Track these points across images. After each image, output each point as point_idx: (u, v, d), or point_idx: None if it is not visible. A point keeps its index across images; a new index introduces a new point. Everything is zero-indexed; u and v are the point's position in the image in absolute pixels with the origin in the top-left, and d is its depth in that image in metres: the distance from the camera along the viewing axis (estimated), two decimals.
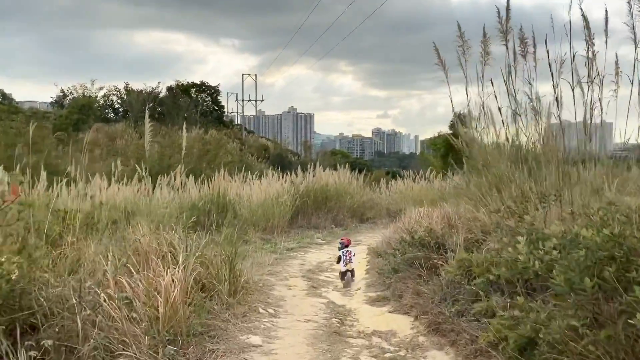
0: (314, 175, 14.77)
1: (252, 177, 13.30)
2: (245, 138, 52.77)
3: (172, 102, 48.09)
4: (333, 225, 13.79)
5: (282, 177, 13.67)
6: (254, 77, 58.62)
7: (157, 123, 42.56)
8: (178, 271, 4.45)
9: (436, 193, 18.30)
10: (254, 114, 76.79)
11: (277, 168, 14.66)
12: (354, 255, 7.20)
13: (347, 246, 7.38)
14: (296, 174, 14.55)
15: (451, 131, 31.50)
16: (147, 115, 11.42)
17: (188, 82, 51.77)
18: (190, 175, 13.34)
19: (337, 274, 7.37)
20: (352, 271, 7.10)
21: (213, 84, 52.60)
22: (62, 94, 48.77)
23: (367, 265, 7.76)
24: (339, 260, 7.26)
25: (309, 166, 15.02)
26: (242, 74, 60.04)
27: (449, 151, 30.27)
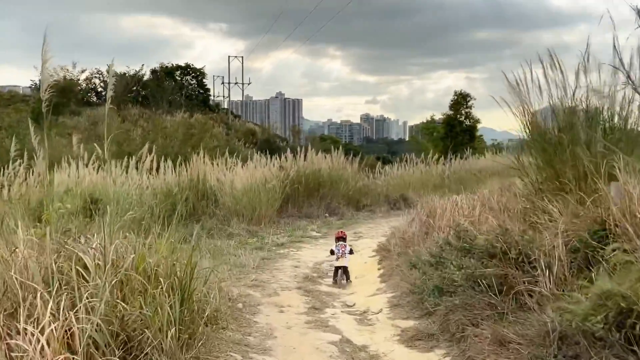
0: (305, 159, 13.30)
1: (235, 161, 11.76)
2: (231, 122, 51.17)
3: (156, 85, 46.34)
4: (327, 214, 12.39)
5: (270, 161, 12.18)
6: (240, 59, 56.81)
7: (140, 107, 41.40)
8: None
9: (437, 178, 17.08)
10: (241, 99, 74.89)
11: (265, 153, 13.14)
12: (349, 251, 6.19)
13: (342, 239, 6.35)
14: (285, 158, 13.09)
15: (452, 112, 30.41)
16: (108, 97, 9.87)
17: (172, 65, 49.80)
18: (168, 159, 11.84)
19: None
20: (344, 269, 6.05)
21: (199, 67, 50.60)
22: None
23: (379, 269, 6.29)
24: (332, 252, 6.30)
25: (298, 150, 13.55)
26: (229, 56, 58.19)
27: (449, 134, 29.20)
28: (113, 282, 3.11)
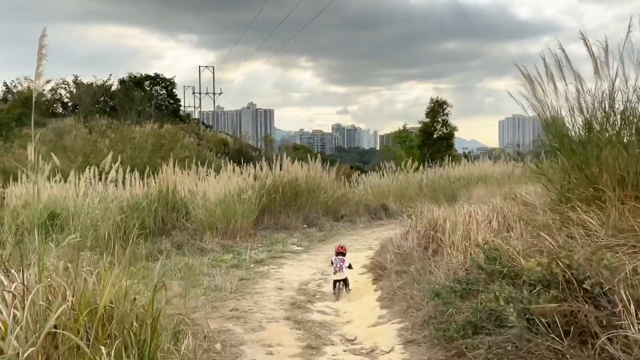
0: (281, 168, 12.66)
1: (207, 171, 11.03)
2: (203, 133, 50.32)
3: (124, 95, 45.32)
4: (305, 225, 11.78)
5: (245, 171, 11.50)
6: (211, 69, 55.77)
7: (109, 118, 40.28)
8: None
9: (416, 187, 16.64)
10: (213, 109, 73.83)
11: (238, 163, 12.44)
12: (348, 266, 6.07)
13: (342, 254, 6.20)
14: (261, 167, 12.43)
15: (427, 119, 30.18)
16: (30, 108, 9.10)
17: (141, 75, 48.83)
18: (136, 170, 11.05)
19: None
20: (345, 281, 6.00)
21: (169, 77, 49.66)
22: (5, 88, 44.82)
23: (376, 290, 5.63)
24: (332, 263, 6.22)
25: (274, 159, 12.90)
26: (199, 66, 57.09)
27: (426, 142, 28.93)
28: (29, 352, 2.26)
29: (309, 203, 12.53)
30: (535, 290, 2.88)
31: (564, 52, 4.44)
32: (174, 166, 10.77)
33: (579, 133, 4.18)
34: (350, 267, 6.13)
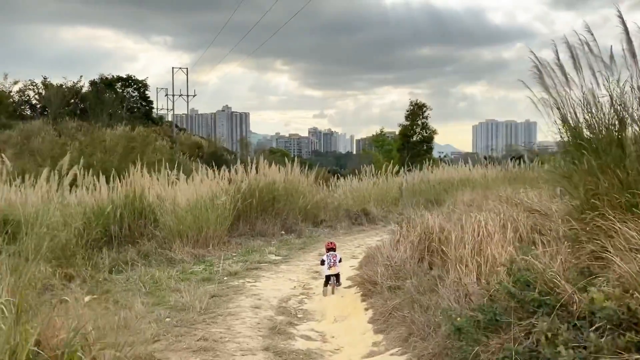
0: (257, 172, 11.99)
1: (178, 174, 10.27)
2: (176, 136, 49.35)
3: (95, 97, 44.23)
4: (283, 232, 11.14)
5: (219, 174, 10.79)
6: (185, 70, 54.69)
7: (79, 120, 39.12)
8: None
9: (397, 191, 16.13)
10: (186, 111, 72.51)
11: (212, 166, 11.70)
12: (339, 260, 6.23)
13: (333, 250, 6.33)
14: (235, 171, 11.75)
15: (407, 122, 29.81)
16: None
17: (113, 76, 47.73)
18: (102, 174, 10.22)
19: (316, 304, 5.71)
20: (337, 275, 6.15)
21: (141, 79, 48.57)
22: None
23: (366, 308, 4.94)
24: (322, 262, 6.30)
25: (249, 162, 12.23)
26: (173, 67, 56.00)
27: (405, 145, 28.53)
28: None
29: (287, 208, 11.90)
30: (605, 333, 2.26)
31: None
32: (141, 169, 10.01)
33: (610, 128, 3.64)
34: (340, 260, 6.22)
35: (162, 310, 4.80)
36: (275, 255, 8.33)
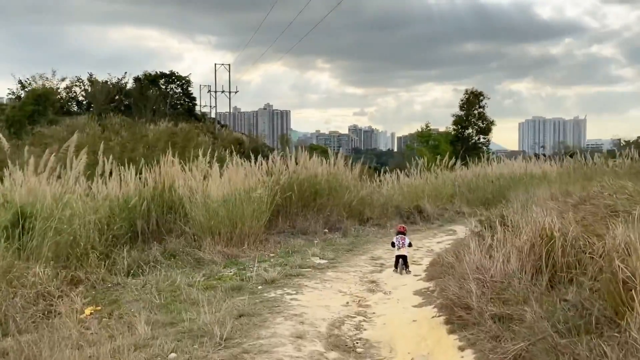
0: (297, 163, 10.87)
1: (211, 164, 9.17)
2: (218, 132, 49.18)
3: (139, 93, 44.57)
4: (326, 230, 9.98)
5: (255, 165, 9.68)
6: (227, 66, 54.36)
7: (123, 116, 39.34)
8: None
9: (451, 187, 14.71)
10: (229, 108, 72.54)
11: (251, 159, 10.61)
12: (409, 244, 6.63)
13: (403, 233, 6.76)
14: (273, 162, 10.66)
15: (462, 112, 28.02)
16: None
17: (157, 73, 47.94)
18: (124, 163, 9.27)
19: None
20: (404, 258, 6.49)
21: (184, 75, 48.59)
22: (20, 85, 43.95)
23: (459, 343, 3.54)
24: (392, 245, 6.73)
25: (288, 154, 11.11)
26: (215, 64, 55.82)
27: (460, 136, 26.72)
28: None
29: (330, 204, 10.73)
30: None
31: None
32: (170, 158, 9.02)
33: None
34: (410, 245, 6.62)
35: (169, 337, 3.65)
36: (320, 258, 7.09)
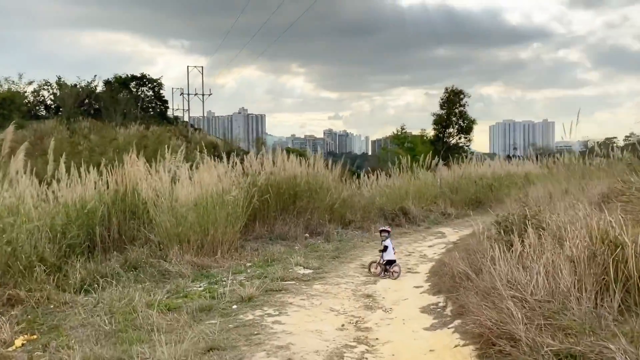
0: (275, 164, 10.07)
1: (178, 164, 8.25)
2: (191, 135, 47.98)
3: (109, 97, 43.30)
4: (307, 235, 9.21)
5: (229, 164, 8.82)
6: (200, 69, 53.20)
7: (93, 120, 38.02)
8: None
9: (435, 188, 14.09)
10: (202, 111, 71.14)
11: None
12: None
13: (387, 232, 6.54)
14: (249, 163, 9.85)
15: (442, 111, 27.49)
16: None
17: (127, 75, 46.73)
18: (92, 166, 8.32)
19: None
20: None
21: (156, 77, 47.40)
22: None
23: None
24: (385, 249, 6.31)
25: (264, 154, 10.30)
26: (188, 66, 54.48)
27: (440, 136, 26.10)
28: None
29: (310, 206, 9.96)
30: None
31: None
32: (132, 157, 8.12)
33: None
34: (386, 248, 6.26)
35: None
36: (304, 268, 6.24)
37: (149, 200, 7.28)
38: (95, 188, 7.84)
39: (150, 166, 8.30)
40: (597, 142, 14.71)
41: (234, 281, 5.32)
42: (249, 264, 6.58)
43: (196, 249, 6.80)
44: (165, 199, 7.05)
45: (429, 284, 5.14)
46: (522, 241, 3.78)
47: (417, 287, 5.14)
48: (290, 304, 4.67)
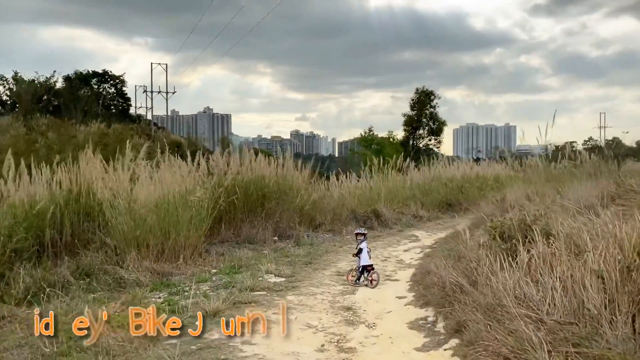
0: (241, 164, 9.58)
1: (136, 163, 7.66)
2: (155, 134, 46.82)
3: (69, 93, 41.85)
4: (276, 238, 8.77)
5: (193, 163, 8.30)
6: (164, 66, 51.98)
7: (52, 117, 36.62)
8: None
9: (407, 190, 13.83)
10: (166, 108, 69.65)
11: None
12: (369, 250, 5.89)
13: (364, 235, 6.11)
14: (215, 162, 9.36)
15: (413, 112, 27.33)
16: None
17: (89, 72, 45.32)
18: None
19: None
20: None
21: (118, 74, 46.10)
22: None
23: None
24: (360, 252, 5.86)
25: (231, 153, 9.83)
26: (152, 63, 53.29)
27: (411, 137, 25.92)
28: None
29: (279, 209, 9.50)
30: None
31: None
32: (89, 155, 7.53)
33: None
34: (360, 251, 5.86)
35: None
36: (276, 276, 5.74)
37: (105, 200, 6.70)
38: (47, 187, 7.25)
39: (107, 164, 7.72)
40: (557, 147, 14.81)
41: (198, 291, 4.83)
42: (214, 271, 6.08)
43: (156, 255, 6.26)
44: (123, 200, 6.49)
45: (413, 294, 4.75)
46: (528, 250, 3.41)
47: (400, 297, 4.75)
48: (262, 320, 4.17)
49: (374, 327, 4.05)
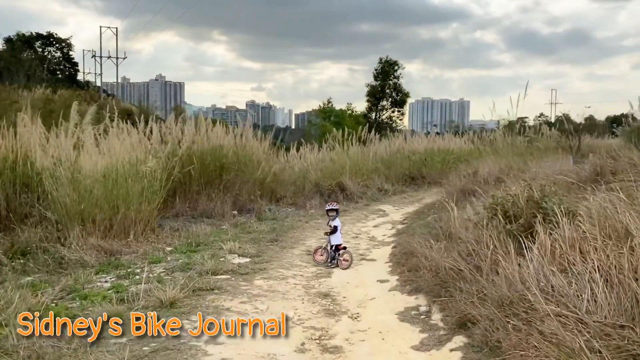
0: (198, 132, 8.95)
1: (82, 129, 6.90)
2: (103, 101, 44.79)
3: (11, 56, 39.41)
4: (235, 212, 8.25)
5: (145, 132, 7.60)
6: (114, 30, 49.64)
7: None
8: None
9: (372, 162, 13.48)
10: (116, 75, 66.74)
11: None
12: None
13: (335, 211, 5.58)
14: (168, 129, 8.73)
15: (377, 82, 26.75)
16: None
17: (32, 34, 42.84)
18: None
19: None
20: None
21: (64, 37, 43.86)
22: None
23: None
24: (335, 229, 5.38)
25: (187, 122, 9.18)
26: (100, 26, 50.69)
27: (373, 108, 25.40)
28: None
29: (239, 180, 8.95)
30: None
31: None
32: (27, 118, 6.75)
33: None
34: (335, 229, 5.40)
35: None
36: (239, 256, 5.16)
37: (44, 170, 5.98)
38: None
39: (52, 132, 6.94)
40: (510, 122, 14.82)
41: (150, 275, 4.27)
42: (168, 249, 5.50)
43: (103, 230, 5.63)
44: (65, 169, 5.79)
45: (397, 277, 4.31)
46: (550, 233, 2.99)
47: (382, 281, 4.32)
48: (227, 310, 3.64)
49: (358, 319, 3.57)
